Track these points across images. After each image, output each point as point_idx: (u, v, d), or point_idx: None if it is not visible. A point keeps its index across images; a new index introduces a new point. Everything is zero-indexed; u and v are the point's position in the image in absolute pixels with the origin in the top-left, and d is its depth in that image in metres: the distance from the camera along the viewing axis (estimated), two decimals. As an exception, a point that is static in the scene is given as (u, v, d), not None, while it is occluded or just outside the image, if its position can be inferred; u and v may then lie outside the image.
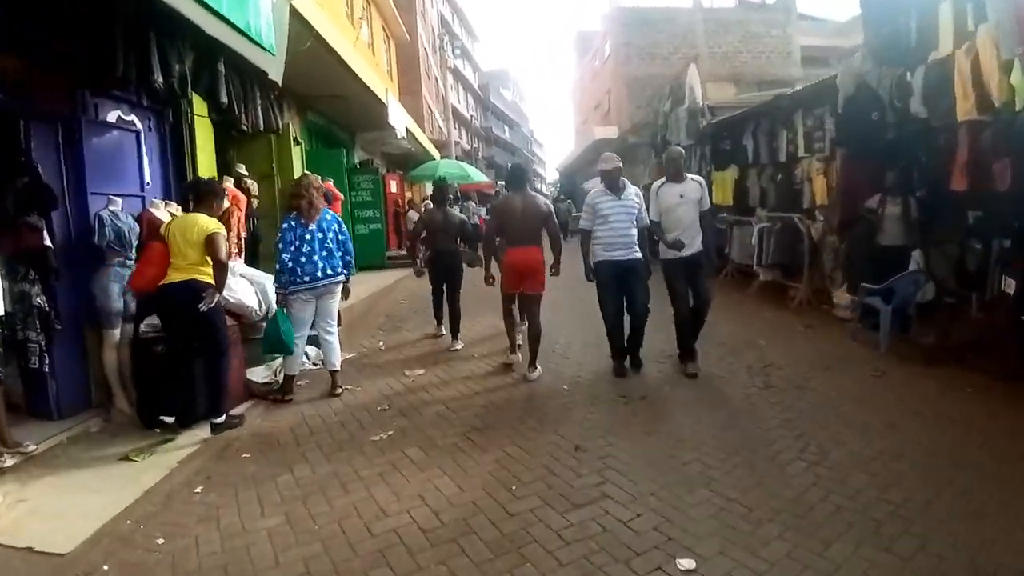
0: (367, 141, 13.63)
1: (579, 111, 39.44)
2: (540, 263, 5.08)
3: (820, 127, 7.74)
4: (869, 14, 6.13)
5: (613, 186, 4.98)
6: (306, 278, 4.68)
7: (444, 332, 6.63)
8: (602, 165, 5.02)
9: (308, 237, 4.69)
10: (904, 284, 5.42)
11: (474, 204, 17.68)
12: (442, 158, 17.97)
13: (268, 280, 5.18)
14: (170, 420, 4.09)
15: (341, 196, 9.27)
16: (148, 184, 4.97)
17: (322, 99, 9.56)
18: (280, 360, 4.99)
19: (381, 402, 4.72)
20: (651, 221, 5.09)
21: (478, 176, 15.55)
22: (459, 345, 6.23)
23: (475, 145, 39.81)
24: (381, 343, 6.75)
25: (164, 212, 4.62)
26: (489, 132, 47.96)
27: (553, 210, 5.37)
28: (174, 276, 3.99)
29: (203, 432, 4.07)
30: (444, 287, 6.45)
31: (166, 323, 4.12)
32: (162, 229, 4.14)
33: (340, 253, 4.87)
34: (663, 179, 5.16)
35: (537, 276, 5.09)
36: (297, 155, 8.43)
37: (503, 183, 9.07)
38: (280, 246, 4.67)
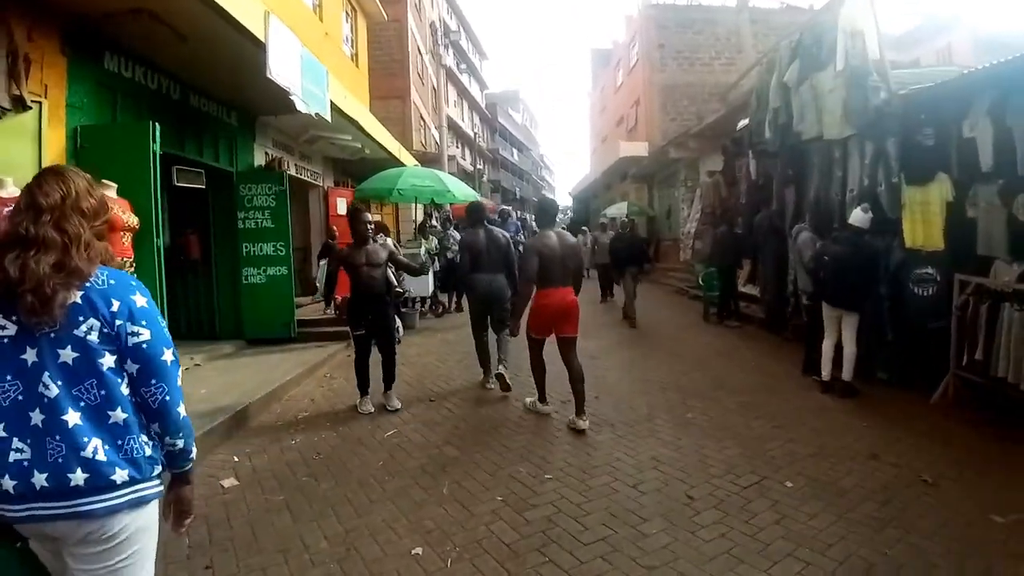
0: (281, 131, 8.65)
1: (597, 132, 35.56)
2: (576, 304, 4.75)
3: None
4: None
5: None
6: None
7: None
8: None
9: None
10: None
11: (457, 234, 12.37)
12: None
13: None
14: None
15: (132, 223, 4.28)
16: None
17: (117, 19, 4.62)
18: None
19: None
20: None
21: (465, 192, 10.53)
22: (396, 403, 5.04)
23: (479, 166, 35.22)
24: None
25: None
26: (496, 154, 43.56)
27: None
28: None
29: None
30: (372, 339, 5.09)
31: None
32: None
33: (121, 415, 1.45)
34: None
35: (574, 318, 4.70)
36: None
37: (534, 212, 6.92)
38: None
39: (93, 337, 1.42)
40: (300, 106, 5.68)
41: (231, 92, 6.77)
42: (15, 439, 1.37)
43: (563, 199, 66.39)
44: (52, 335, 1.39)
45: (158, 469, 1.53)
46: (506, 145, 48.61)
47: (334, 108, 7.15)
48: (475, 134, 37.63)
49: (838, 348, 5.42)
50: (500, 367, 5.54)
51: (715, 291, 9.20)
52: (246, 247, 7.19)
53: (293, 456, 4.02)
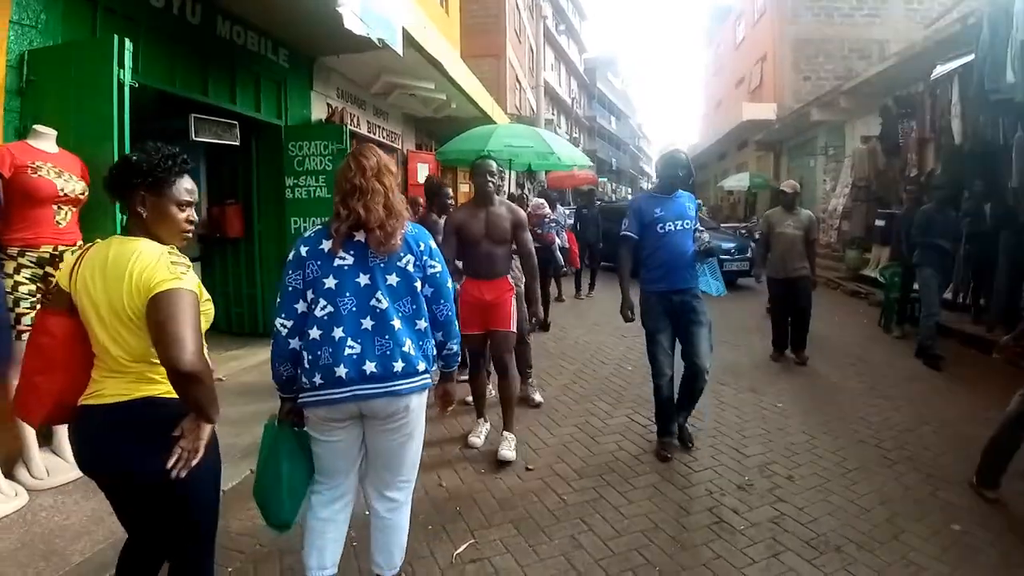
0: (347, 78, 7.05)
1: (710, 95, 32.24)
2: None
3: None
4: None
5: None
6: (317, 379, 1.86)
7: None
8: None
9: (338, 283, 1.89)
10: None
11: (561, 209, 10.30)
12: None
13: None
14: None
15: (74, 192, 2.80)
16: None
17: None
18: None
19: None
20: None
21: (571, 155, 8.57)
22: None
23: (575, 135, 32.95)
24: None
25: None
26: (593, 122, 40.95)
27: None
28: (102, 388, 1.57)
29: None
30: None
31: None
32: (62, 276, 1.60)
33: (423, 324, 2.00)
34: None
35: None
36: None
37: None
38: (279, 299, 1.93)
39: (410, 268, 1.95)
40: (352, 23, 4.01)
41: (278, 21, 5.22)
42: (349, 339, 1.87)
43: (662, 171, 62.34)
44: (382, 265, 1.91)
45: (435, 367, 2.06)
46: (604, 112, 45.82)
47: (409, 41, 5.46)
48: (572, 100, 35.27)
49: None
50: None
51: (898, 292, 6.88)
52: (295, 222, 5.71)
53: None
